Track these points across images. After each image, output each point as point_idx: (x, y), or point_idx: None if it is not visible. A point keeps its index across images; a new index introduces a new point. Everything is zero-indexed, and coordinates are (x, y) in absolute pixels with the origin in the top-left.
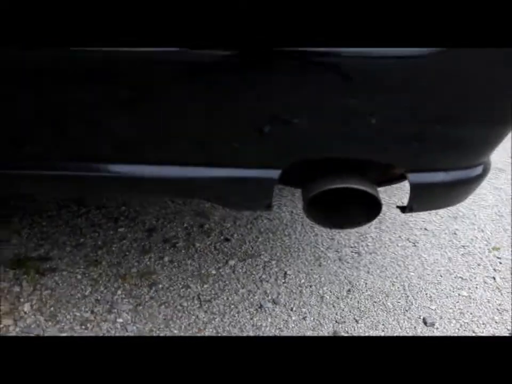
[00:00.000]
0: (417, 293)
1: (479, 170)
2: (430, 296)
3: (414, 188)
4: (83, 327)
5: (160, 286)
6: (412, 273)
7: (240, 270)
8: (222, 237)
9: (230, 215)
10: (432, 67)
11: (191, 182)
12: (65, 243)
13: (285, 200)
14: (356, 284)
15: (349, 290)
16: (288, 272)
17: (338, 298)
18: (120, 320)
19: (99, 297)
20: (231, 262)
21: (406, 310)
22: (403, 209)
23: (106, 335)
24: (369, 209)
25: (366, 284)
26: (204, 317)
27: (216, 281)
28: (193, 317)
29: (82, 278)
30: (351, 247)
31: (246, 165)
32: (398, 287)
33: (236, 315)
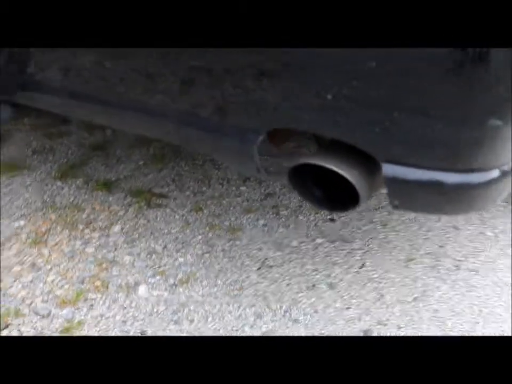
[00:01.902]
0: None
1: (481, 176)
2: None
3: (389, 181)
4: (148, 256)
5: (238, 242)
6: None
7: (322, 249)
8: (328, 217)
9: None
10: None
11: None
12: (189, 188)
13: None
14: (427, 294)
15: (415, 298)
16: (367, 264)
17: (398, 301)
18: (181, 259)
19: (179, 236)
20: (319, 240)
21: None
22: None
23: (159, 269)
24: (349, 197)
25: (441, 297)
26: (254, 278)
27: (292, 253)
28: (245, 275)
29: (180, 218)
30: (455, 259)
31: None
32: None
33: (284, 286)
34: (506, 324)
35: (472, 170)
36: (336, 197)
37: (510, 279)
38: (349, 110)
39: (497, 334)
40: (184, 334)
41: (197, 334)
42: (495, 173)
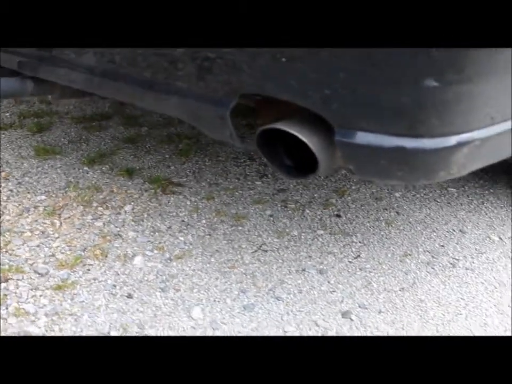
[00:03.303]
0: None
1: (431, 143)
2: None
3: (341, 145)
4: (151, 234)
5: (240, 228)
6: None
7: (320, 240)
8: (335, 212)
9: (364, 200)
10: None
11: None
12: (206, 180)
13: (435, 206)
14: (416, 285)
15: (403, 288)
16: (362, 255)
17: (385, 290)
18: (182, 238)
19: (186, 219)
20: (320, 232)
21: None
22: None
23: (159, 245)
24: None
25: (429, 290)
26: (247, 259)
27: (289, 241)
28: (239, 256)
29: (191, 204)
30: (453, 258)
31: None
32: None
33: (274, 269)
34: (490, 318)
35: (421, 136)
36: (304, 166)
37: (505, 279)
38: (300, 72)
39: (478, 327)
40: (169, 301)
41: (180, 302)
42: (449, 141)
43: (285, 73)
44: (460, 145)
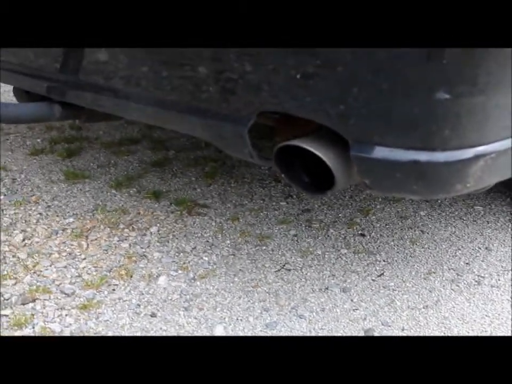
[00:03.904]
0: None
1: (447, 156)
2: None
3: (356, 160)
4: (176, 254)
5: (264, 248)
6: None
7: (344, 259)
8: (359, 232)
9: (388, 219)
10: None
11: None
12: (231, 201)
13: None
14: (440, 303)
15: (427, 305)
16: (385, 274)
17: (408, 307)
18: (206, 258)
19: (210, 240)
20: (343, 251)
21: None
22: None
23: (183, 265)
24: (323, 179)
25: (453, 307)
26: (271, 278)
27: (313, 260)
28: (263, 275)
29: (216, 225)
30: (479, 275)
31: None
32: None
33: (298, 287)
34: None
35: (435, 149)
36: (321, 182)
37: None
38: (315, 88)
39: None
40: (192, 319)
41: (203, 321)
42: (464, 154)
43: (299, 89)
44: (475, 158)
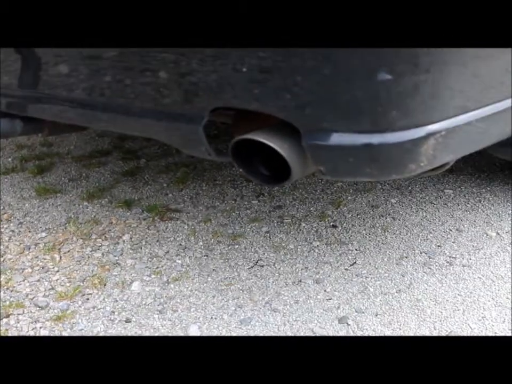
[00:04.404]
0: None
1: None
2: None
3: (308, 148)
4: (149, 259)
5: (237, 246)
6: None
7: (317, 251)
8: (331, 223)
9: (360, 209)
10: None
11: None
12: (203, 203)
13: (438, 210)
14: (413, 286)
15: (400, 289)
16: (358, 262)
17: (381, 293)
18: (179, 261)
19: (183, 243)
20: (315, 243)
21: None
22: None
23: (156, 270)
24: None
25: (426, 289)
26: (244, 275)
27: (286, 254)
28: (236, 273)
29: (188, 228)
30: (450, 256)
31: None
32: None
33: (271, 282)
34: (488, 312)
35: (385, 131)
36: (279, 173)
37: (503, 272)
38: (261, 81)
39: (476, 321)
40: (167, 321)
41: (177, 322)
42: (414, 133)
43: (246, 84)
44: (425, 137)
